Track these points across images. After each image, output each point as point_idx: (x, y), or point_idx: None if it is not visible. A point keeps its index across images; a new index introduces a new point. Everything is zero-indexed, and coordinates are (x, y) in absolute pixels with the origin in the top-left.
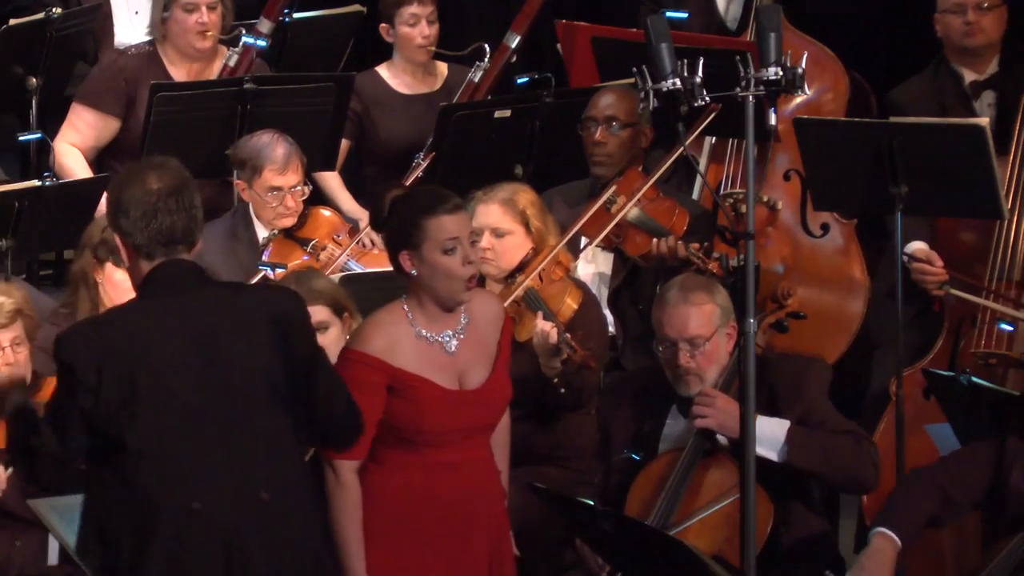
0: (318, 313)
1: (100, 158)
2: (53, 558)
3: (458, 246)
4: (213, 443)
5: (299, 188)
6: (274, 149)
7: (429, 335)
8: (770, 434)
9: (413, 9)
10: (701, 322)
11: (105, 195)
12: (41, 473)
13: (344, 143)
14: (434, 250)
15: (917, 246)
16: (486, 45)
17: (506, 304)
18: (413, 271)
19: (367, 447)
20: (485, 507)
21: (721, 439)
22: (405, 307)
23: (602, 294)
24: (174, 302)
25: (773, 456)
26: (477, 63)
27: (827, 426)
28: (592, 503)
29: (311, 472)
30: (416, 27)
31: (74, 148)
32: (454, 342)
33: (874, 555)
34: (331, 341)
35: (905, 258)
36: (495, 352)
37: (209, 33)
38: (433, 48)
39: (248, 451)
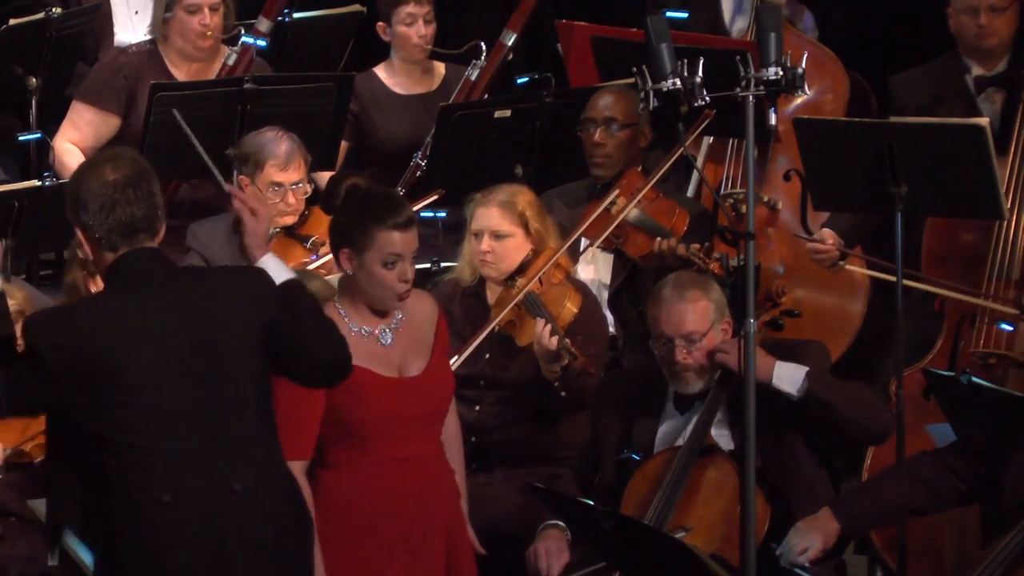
0: None
1: None
2: (53, 558)
3: (399, 262)
4: (185, 434)
5: (301, 185)
6: (277, 145)
7: (364, 330)
8: (790, 373)
9: (410, 8)
10: (696, 318)
11: (65, 193)
12: None
13: (343, 144)
14: (375, 260)
15: (825, 230)
16: (482, 43)
17: (507, 308)
18: (350, 271)
19: (313, 446)
20: (438, 504)
21: (718, 440)
22: (337, 305)
23: (602, 295)
24: (141, 292)
25: (792, 391)
26: (474, 61)
27: None
28: (592, 503)
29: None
30: (413, 26)
31: (74, 147)
32: (389, 335)
33: (814, 520)
34: None
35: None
36: (432, 344)
37: (210, 34)
38: (430, 47)
39: (221, 441)
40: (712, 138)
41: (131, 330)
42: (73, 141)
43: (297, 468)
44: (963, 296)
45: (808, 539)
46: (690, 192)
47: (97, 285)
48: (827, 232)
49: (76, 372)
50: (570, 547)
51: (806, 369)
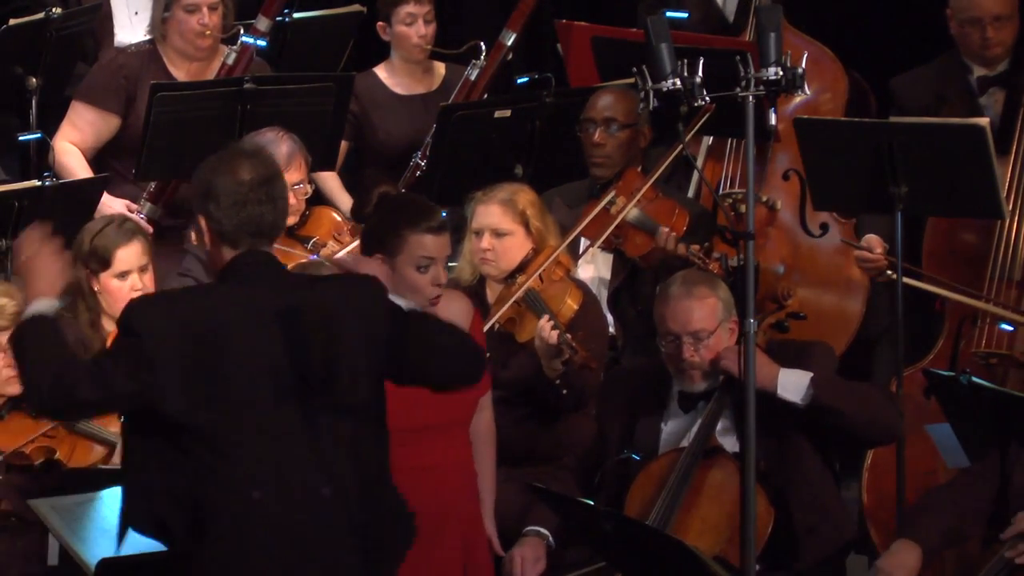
0: None
1: (100, 157)
2: (53, 558)
3: (432, 266)
4: (278, 435)
5: (301, 186)
6: (278, 146)
7: None
8: (794, 381)
9: (410, 8)
10: (704, 315)
11: (193, 178)
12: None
13: (343, 144)
14: (408, 263)
15: (870, 236)
16: (482, 43)
17: (507, 305)
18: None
19: None
20: (458, 510)
21: (723, 444)
22: None
23: (601, 295)
24: (254, 290)
25: (797, 400)
26: (473, 61)
27: None
28: (592, 503)
29: (379, 469)
30: (413, 26)
31: (74, 147)
32: None
33: (892, 556)
34: None
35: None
36: None
37: (209, 33)
38: (430, 47)
39: (313, 445)
40: (712, 138)
41: (237, 323)
42: (73, 141)
43: None
44: (984, 305)
45: None
46: (690, 192)
47: (100, 284)
48: (875, 240)
49: (176, 356)
50: (554, 553)
51: (810, 376)
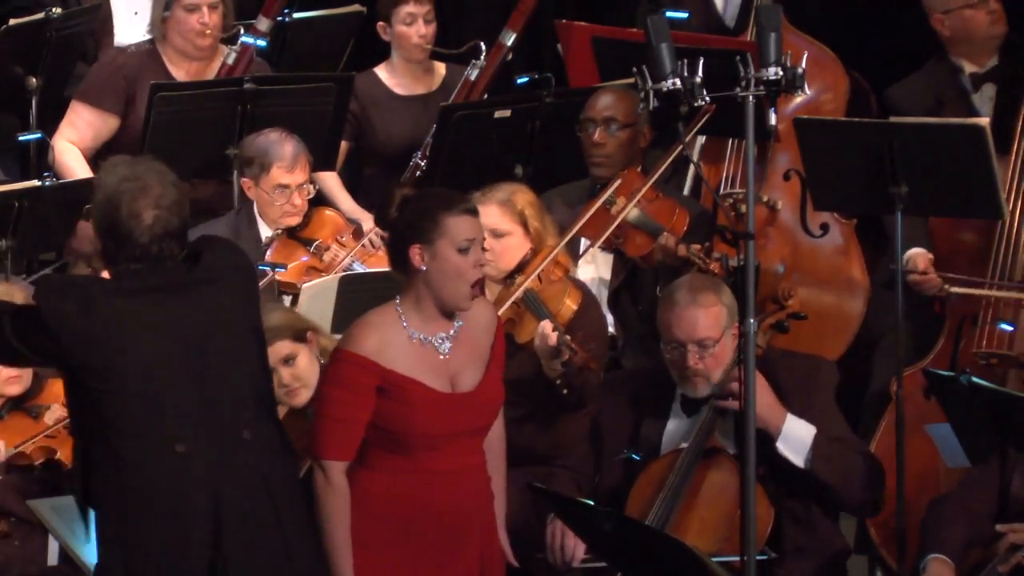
0: (282, 349)
1: (100, 157)
2: (53, 558)
3: (472, 247)
4: (195, 388)
5: (306, 186)
6: (283, 146)
7: (422, 337)
8: (799, 436)
9: (410, 8)
10: (710, 324)
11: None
12: None
13: (343, 144)
14: (449, 247)
15: (913, 252)
16: (482, 43)
17: (506, 306)
18: (423, 266)
19: (356, 448)
20: (477, 515)
21: (721, 441)
22: (398, 308)
23: (602, 295)
24: (157, 267)
25: (799, 461)
26: (473, 61)
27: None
28: (592, 503)
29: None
30: (413, 26)
31: (73, 146)
32: (447, 344)
33: None
34: (304, 368)
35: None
36: (488, 356)
37: (209, 32)
38: (430, 47)
39: (228, 395)
40: (706, 137)
41: (142, 300)
42: (72, 141)
43: (337, 469)
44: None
45: None
46: (686, 190)
47: None
48: (922, 259)
49: (82, 339)
50: None
51: (813, 435)
